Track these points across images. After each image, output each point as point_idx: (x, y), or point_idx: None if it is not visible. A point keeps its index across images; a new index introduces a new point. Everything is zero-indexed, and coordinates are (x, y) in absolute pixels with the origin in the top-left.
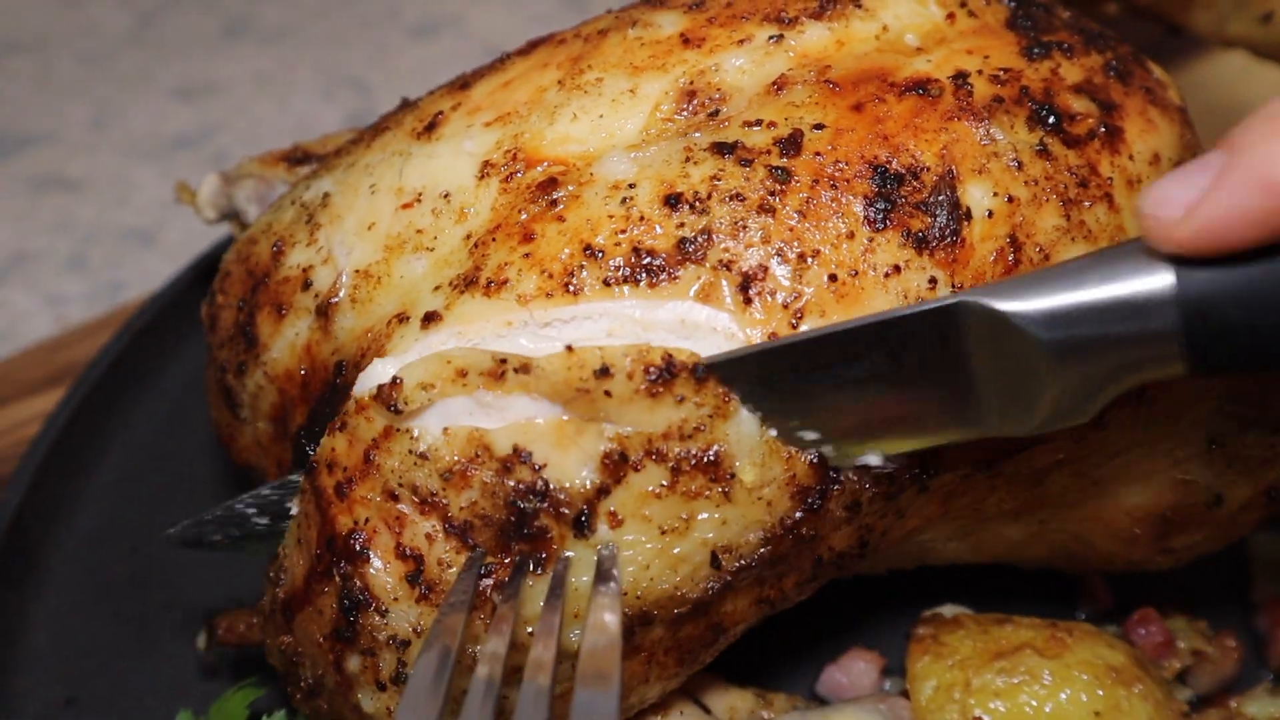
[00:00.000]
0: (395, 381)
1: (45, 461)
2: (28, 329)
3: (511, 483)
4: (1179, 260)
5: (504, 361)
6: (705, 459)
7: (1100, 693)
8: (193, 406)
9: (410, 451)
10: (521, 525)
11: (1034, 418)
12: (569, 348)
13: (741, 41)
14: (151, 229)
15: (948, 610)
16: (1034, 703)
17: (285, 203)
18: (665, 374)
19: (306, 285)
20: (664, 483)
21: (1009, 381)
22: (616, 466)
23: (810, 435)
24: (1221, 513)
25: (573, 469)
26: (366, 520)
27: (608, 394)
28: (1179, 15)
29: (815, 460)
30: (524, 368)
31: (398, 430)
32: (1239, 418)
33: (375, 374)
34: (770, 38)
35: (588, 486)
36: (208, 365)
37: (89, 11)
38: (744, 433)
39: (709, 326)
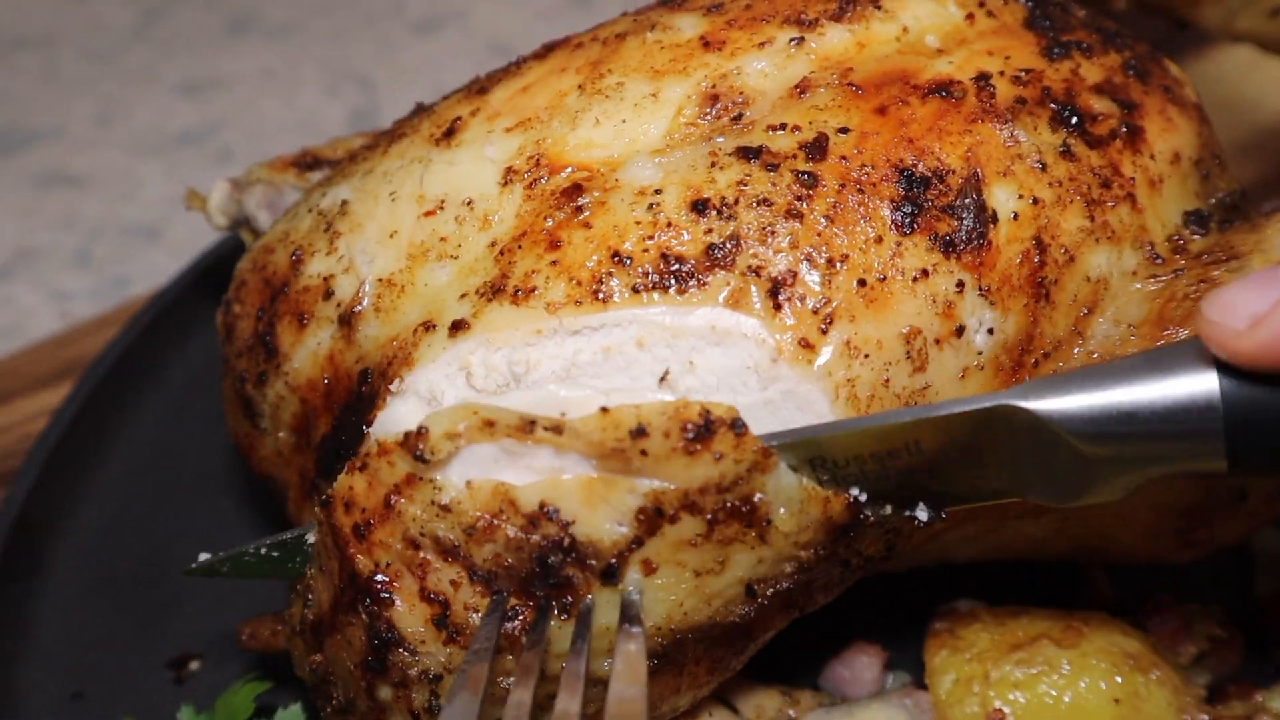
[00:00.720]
0: (421, 431)
1: (51, 457)
2: (33, 325)
3: (537, 538)
4: (1224, 367)
5: (533, 423)
6: (742, 509)
7: (1119, 680)
8: (199, 402)
9: (433, 502)
10: (547, 576)
11: (1074, 497)
12: (604, 409)
13: (762, 44)
14: (157, 225)
15: (963, 604)
16: (1053, 692)
17: (301, 210)
18: (703, 431)
19: (328, 294)
20: (700, 533)
21: (1049, 468)
22: (651, 521)
23: (860, 495)
24: (1245, 506)
25: (602, 524)
26: (388, 564)
27: (643, 453)
28: (1187, 11)
29: (852, 501)
30: (555, 429)
31: (420, 479)
32: None
33: (397, 417)
34: (791, 40)
35: (619, 539)
36: (224, 375)
37: (94, 8)
38: (783, 484)
39: (739, 332)
